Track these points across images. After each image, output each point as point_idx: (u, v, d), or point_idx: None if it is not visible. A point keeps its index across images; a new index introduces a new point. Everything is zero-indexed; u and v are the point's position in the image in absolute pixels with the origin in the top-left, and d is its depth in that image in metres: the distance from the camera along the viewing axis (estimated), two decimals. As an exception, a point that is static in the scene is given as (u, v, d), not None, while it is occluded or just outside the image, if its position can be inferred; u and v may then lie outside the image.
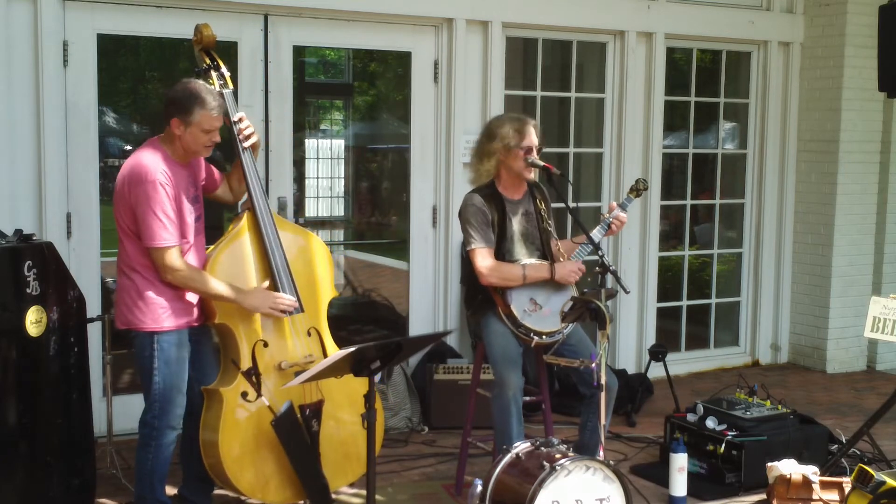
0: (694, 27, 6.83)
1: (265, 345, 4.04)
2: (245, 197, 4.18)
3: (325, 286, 4.29)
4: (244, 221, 4.09)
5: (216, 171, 4.19)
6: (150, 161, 3.77)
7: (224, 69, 4.15)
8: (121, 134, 7.17)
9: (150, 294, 3.82)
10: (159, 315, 3.83)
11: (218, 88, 4.05)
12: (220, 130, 3.91)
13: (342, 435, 4.17)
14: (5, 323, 3.70)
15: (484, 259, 4.25)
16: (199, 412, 4.02)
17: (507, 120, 4.38)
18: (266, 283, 4.04)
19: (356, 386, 3.97)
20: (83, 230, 5.15)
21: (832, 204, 7.08)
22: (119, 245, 3.89)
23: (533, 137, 4.30)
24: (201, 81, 3.90)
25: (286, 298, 4.01)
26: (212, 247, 4.10)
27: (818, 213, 7.20)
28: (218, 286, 3.88)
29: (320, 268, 4.29)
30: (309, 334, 4.17)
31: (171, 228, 3.74)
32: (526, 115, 4.47)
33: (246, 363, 3.98)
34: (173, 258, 3.76)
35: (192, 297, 3.94)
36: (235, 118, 4.06)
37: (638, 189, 4.54)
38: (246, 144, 4.07)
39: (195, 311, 3.97)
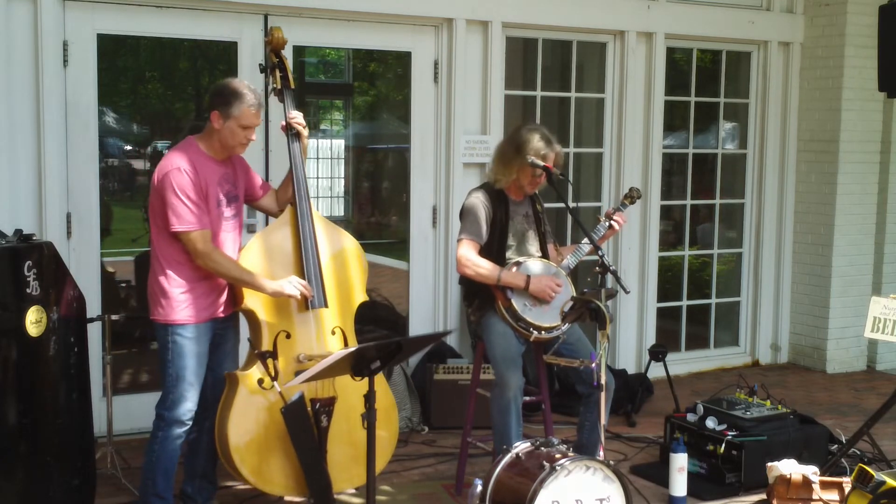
0: (694, 27, 6.83)
1: (287, 335, 4.08)
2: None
3: (357, 289, 4.33)
4: (286, 215, 4.20)
5: (260, 181, 4.30)
6: (176, 153, 3.90)
7: (290, 71, 4.34)
8: (121, 134, 7.17)
9: (170, 287, 3.88)
10: (176, 308, 3.88)
11: (280, 86, 4.28)
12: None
13: (353, 438, 4.15)
14: (5, 323, 3.70)
15: (467, 250, 4.30)
16: (210, 404, 4.05)
17: (536, 136, 4.31)
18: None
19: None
20: (83, 230, 5.15)
21: (832, 204, 7.08)
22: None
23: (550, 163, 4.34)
24: (245, 80, 4.01)
25: (307, 285, 4.04)
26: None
27: (818, 213, 7.20)
28: (243, 273, 3.93)
29: (353, 271, 4.34)
30: (333, 333, 4.20)
31: (196, 212, 3.81)
32: (554, 140, 4.38)
33: (264, 348, 4.01)
34: (200, 241, 3.82)
35: (216, 292, 3.98)
36: (291, 115, 4.23)
37: (632, 197, 4.65)
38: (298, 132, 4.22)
39: (219, 305, 4.01)
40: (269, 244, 4.14)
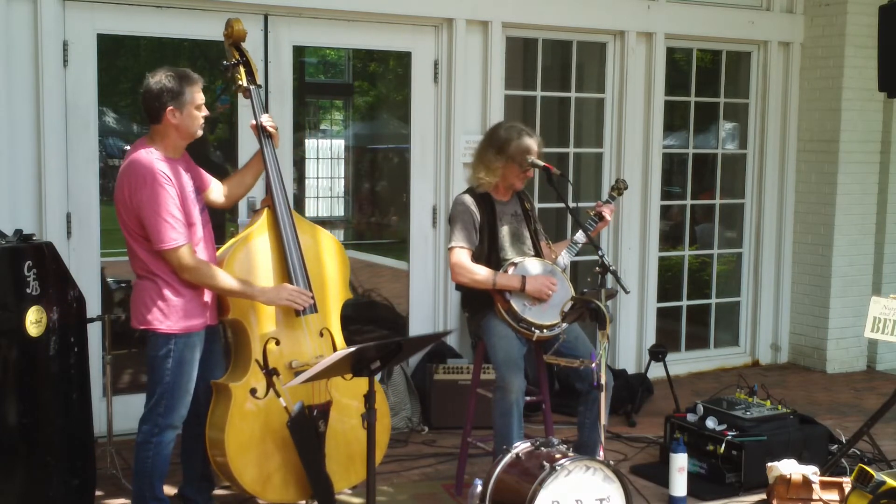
0: (694, 27, 6.83)
1: (276, 343, 4.03)
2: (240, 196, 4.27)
3: (340, 287, 4.28)
4: (263, 218, 4.11)
5: (204, 173, 4.17)
6: (146, 163, 3.75)
7: (254, 65, 4.19)
8: (121, 134, 7.17)
9: (170, 295, 3.80)
10: (177, 317, 3.82)
11: (246, 84, 4.14)
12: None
13: (348, 437, 4.15)
14: (5, 323, 3.70)
15: (459, 257, 4.30)
16: (203, 410, 4.02)
17: (515, 134, 4.35)
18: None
19: (364, 387, 3.97)
20: (83, 230, 5.15)
21: (832, 204, 7.08)
22: (129, 249, 3.87)
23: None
24: (166, 66, 3.90)
25: (303, 292, 4.01)
26: (229, 242, 4.11)
27: (818, 213, 7.20)
28: (233, 282, 3.88)
29: (336, 268, 4.28)
30: (321, 335, 4.15)
31: (178, 227, 3.73)
32: (532, 132, 4.43)
33: (254, 357, 3.96)
34: (186, 257, 3.75)
35: (209, 299, 3.93)
36: (262, 118, 4.12)
37: (619, 188, 4.68)
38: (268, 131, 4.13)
39: (211, 312, 3.97)
40: (250, 251, 4.04)
